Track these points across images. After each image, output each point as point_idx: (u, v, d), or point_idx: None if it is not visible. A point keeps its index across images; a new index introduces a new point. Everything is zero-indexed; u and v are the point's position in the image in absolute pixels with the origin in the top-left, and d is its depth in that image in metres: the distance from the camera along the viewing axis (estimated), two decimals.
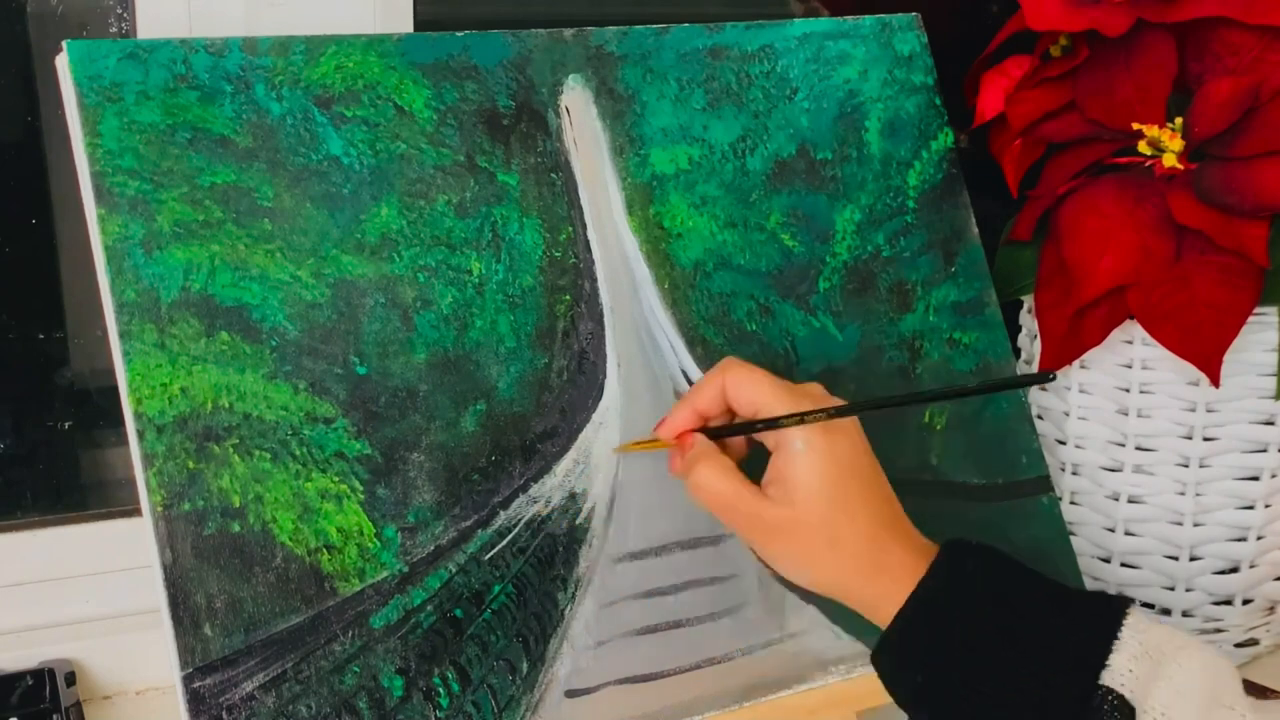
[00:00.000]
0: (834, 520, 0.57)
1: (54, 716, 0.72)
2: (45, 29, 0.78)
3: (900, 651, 0.56)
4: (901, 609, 0.56)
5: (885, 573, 0.57)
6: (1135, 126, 0.76)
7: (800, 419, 0.58)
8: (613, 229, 0.68)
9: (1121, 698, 0.52)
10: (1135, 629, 0.54)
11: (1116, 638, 0.53)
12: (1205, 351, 0.73)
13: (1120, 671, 0.52)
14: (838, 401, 0.60)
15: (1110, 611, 0.54)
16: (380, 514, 0.60)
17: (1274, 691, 0.76)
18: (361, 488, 0.60)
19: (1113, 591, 0.84)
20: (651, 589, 0.65)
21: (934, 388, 0.60)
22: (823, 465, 0.57)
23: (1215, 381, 0.74)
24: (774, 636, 0.67)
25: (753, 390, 0.59)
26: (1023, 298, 0.84)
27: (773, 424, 0.58)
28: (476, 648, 0.61)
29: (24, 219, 0.80)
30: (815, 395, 0.60)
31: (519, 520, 0.63)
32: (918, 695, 0.56)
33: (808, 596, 0.68)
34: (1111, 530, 0.82)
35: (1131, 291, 0.74)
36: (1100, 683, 0.52)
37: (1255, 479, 0.79)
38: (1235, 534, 0.80)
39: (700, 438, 0.61)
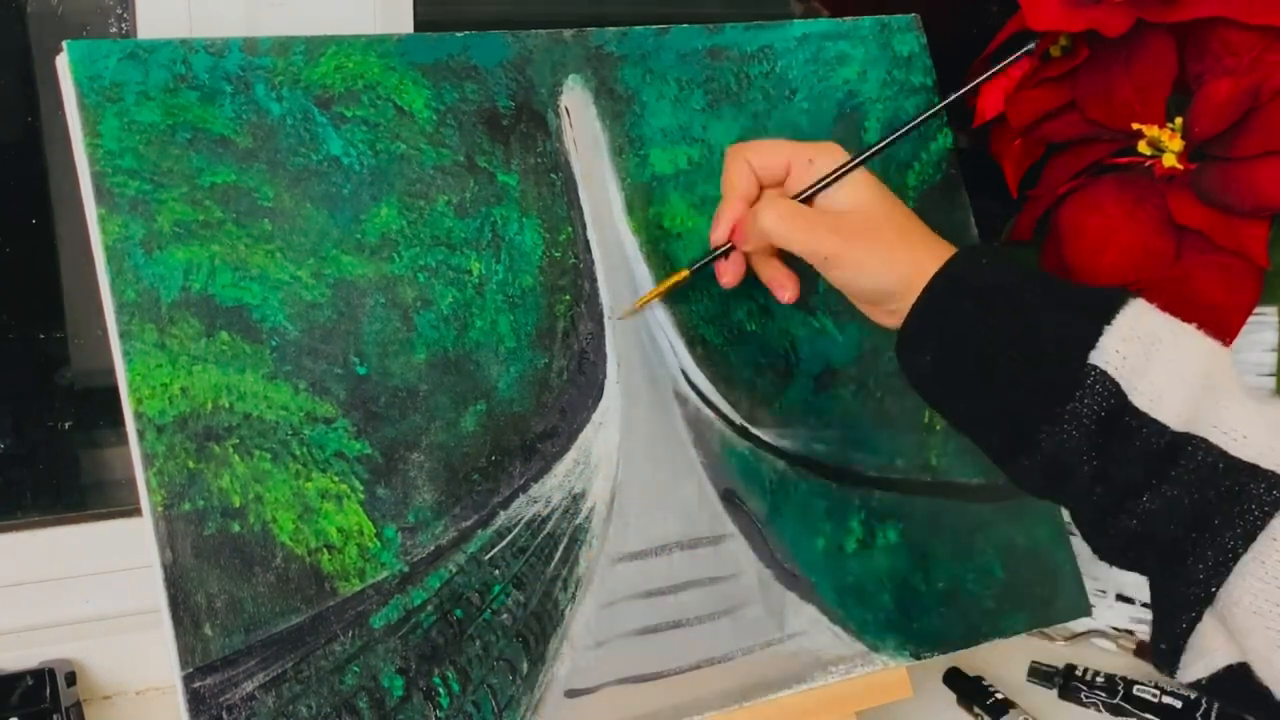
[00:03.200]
0: (898, 214, 0.62)
1: (54, 716, 0.72)
2: (45, 29, 0.78)
3: (914, 334, 0.59)
4: (918, 297, 0.58)
5: (942, 260, 0.59)
6: (1135, 126, 0.76)
7: (851, 166, 0.62)
8: (613, 229, 0.68)
9: (1107, 375, 0.52)
10: (1132, 315, 0.54)
11: (1110, 322, 0.54)
12: None
13: (1109, 351, 0.53)
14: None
15: (1109, 300, 0.55)
16: (380, 514, 0.60)
17: None
18: (362, 488, 0.60)
19: (1112, 591, 0.84)
20: (651, 589, 0.65)
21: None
22: (873, 179, 0.63)
23: None
24: (774, 636, 0.67)
25: (774, 152, 0.64)
26: None
27: (833, 178, 0.63)
28: (476, 648, 0.61)
29: (24, 219, 0.80)
30: (829, 145, 0.64)
31: (519, 520, 0.63)
32: (923, 377, 0.59)
33: (807, 596, 0.68)
34: None
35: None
36: (1088, 361, 0.53)
37: None
38: None
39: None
